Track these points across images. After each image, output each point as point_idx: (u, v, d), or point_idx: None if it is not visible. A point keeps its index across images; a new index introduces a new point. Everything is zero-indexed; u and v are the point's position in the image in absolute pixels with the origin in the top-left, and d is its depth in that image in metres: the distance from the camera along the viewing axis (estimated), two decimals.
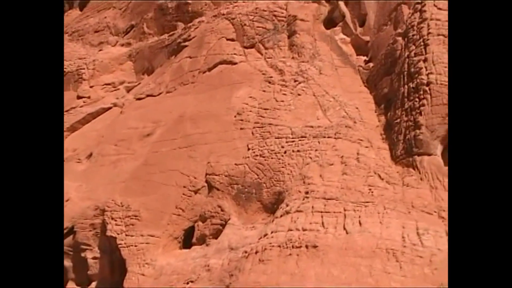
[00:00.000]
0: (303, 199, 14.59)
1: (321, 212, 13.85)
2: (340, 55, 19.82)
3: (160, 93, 21.20)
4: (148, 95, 21.62)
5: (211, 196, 17.07)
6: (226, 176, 17.09)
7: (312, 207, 14.09)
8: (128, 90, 23.38)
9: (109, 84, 24.05)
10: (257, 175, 16.62)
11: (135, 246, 16.90)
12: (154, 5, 25.54)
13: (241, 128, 18.05)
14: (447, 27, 16.12)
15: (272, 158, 16.66)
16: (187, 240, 17.15)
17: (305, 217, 13.87)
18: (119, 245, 17.08)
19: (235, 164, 17.16)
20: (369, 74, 18.99)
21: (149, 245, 16.86)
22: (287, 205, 14.70)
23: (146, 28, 25.45)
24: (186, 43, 22.17)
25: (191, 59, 21.29)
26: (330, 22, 20.73)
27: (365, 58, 19.91)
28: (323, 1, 20.95)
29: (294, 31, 20.07)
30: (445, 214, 13.57)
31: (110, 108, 22.85)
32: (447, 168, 15.09)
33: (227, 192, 16.89)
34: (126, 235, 17.15)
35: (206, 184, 17.35)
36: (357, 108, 17.74)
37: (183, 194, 17.45)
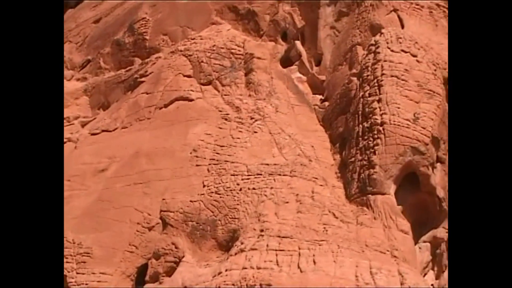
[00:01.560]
0: (258, 237, 14.55)
1: (276, 250, 13.82)
2: (296, 93, 20.02)
3: (115, 129, 21.01)
4: (103, 130, 21.40)
5: (165, 233, 16.88)
6: (181, 213, 16.96)
7: (267, 245, 14.06)
8: (83, 125, 23.10)
9: (63, 118, 23.76)
10: (212, 212, 16.54)
11: (86, 284, 16.54)
12: (111, 40, 25.46)
13: (196, 165, 17.99)
14: (399, 69, 16.52)
15: (227, 195, 16.62)
16: (140, 278, 16.88)
17: (259, 256, 13.82)
18: (70, 283, 16.69)
19: (190, 201, 17.06)
20: (324, 113, 19.21)
21: (101, 283, 16.53)
22: (241, 243, 14.64)
23: (103, 63, 25.31)
24: (143, 79, 22.12)
25: (148, 95, 21.22)
26: (286, 61, 20.97)
27: (321, 97, 20.15)
28: (280, 40, 21.21)
29: (251, 69, 20.23)
30: (398, 253, 13.72)
31: (64, 143, 22.55)
32: (399, 207, 15.35)
33: (182, 229, 16.73)
34: (77, 273, 16.78)
35: (160, 221, 17.16)
36: (312, 146, 17.89)
37: (137, 231, 17.22)
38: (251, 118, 18.84)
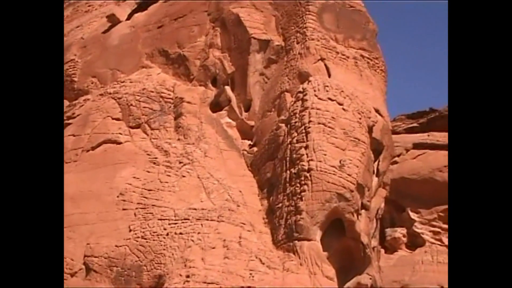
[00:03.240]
0: (184, 283, 14.40)
1: None
2: (225, 138, 20.11)
3: None
4: None
5: (88, 279, 16.49)
6: (105, 258, 16.62)
7: None
8: None
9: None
10: (138, 257, 16.28)
11: None
12: None
13: (123, 209, 17.74)
14: (326, 116, 16.87)
15: (154, 240, 16.41)
16: None
17: None
18: None
19: (116, 245, 16.75)
20: (253, 158, 19.35)
21: None
22: None
23: None
24: (70, 121, 21.80)
25: (75, 137, 20.90)
26: (216, 106, 21.08)
27: (249, 142, 20.29)
28: (210, 85, 21.34)
29: (180, 113, 20.24)
30: None
31: None
32: (325, 253, 15.50)
33: (106, 274, 16.38)
34: None
35: (84, 267, 16.77)
36: (240, 191, 17.94)
37: None
38: (180, 162, 18.79)
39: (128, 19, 25.01)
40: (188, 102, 20.55)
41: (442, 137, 25.77)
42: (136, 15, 24.91)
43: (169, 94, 20.96)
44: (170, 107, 20.61)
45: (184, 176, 18.29)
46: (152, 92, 21.02)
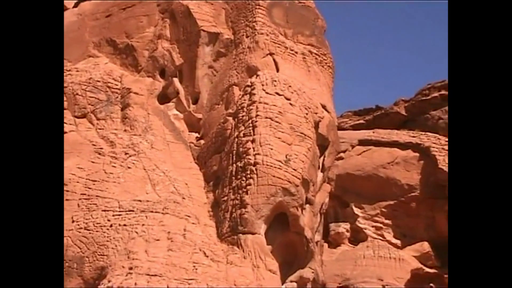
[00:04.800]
0: (126, 275, 14.26)
1: None
2: (172, 130, 20.02)
3: None
4: None
5: None
6: None
7: (135, 283, 13.80)
8: None
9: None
10: (80, 248, 16.05)
11: None
12: None
13: (66, 199, 17.45)
14: (273, 111, 16.98)
15: (97, 231, 16.21)
16: None
17: None
18: None
19: None
20: (200, 151, 19.31)
21: None
22: (109, 281, 14.27)
23: None
24: None
25: None
26: (164, 98, 20.95)
27: (196, 135, 20.25)
28: (158, 76, 21.19)
29: (127, 104, 20.04)
30: None
31: None
32: (269, 247, 15.62)
33: None
34: None
35: None
36: (186, 184, 17.89)
37: None
38: (126, 154, 18.60)
39: (75, 6, 24.59)
40: (136, 93, 20.37)
41: (386, 134, 26.21)
42: (83, 3, 24.50)
43: (116, 85, 20.72)
44: (117, 97, 20.39)
45: (129, 168, 18.13)
46: (99, 82, 20.74)
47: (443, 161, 23.68)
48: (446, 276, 23.48)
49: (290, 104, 17.44)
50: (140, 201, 16.76)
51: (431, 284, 23.75)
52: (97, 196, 17.21)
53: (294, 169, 16.22)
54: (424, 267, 23.77)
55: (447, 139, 25.40)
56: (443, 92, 31.55)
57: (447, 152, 24.21)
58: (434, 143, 24.77)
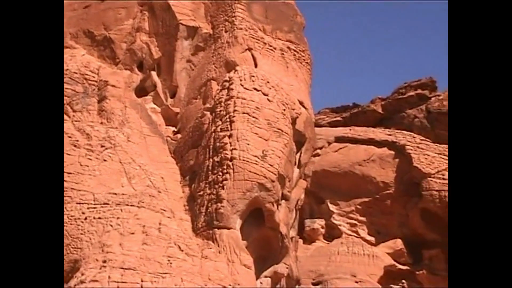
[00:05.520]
0: (100, 268, 14.21)
1: (118, 282, 13.55)
2: (149, 124, 19.94)
3: None
4: None
5: None
6: None
7: (109, 277, 13.76)
8: None
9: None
10: None
11: None
12: None
13: None
14: (251, 106, 17.02)
15: (71, 224, 16.10)
16: None
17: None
18: None
19: None
20: (176, 145, 19.28)
21: None
22: (82, 274, 14.20)
23: None
24: None
25: None
26: (141, 91, 20.87)
27: (174, 129, 20.21)
28: (136, 69, 21.09)
29: (104, 96, 19.92)
30: None
31: None
32: (244, 242, 15.67)
33: None
34: None
35: None
36: (162, 178, 17.85)
37: None
38: (102, 146, 18.49)
39: None
40: (113, 86, 20.24)
41: (363, 131, 26.33)
42: None
43: (93, 77, 20.57)
44: (94, 89, 20.24)
45: (105, 160, 18.03)
46: (76, 73, 20.56)
47: (417, 159, 23.88)
48: (418, 273, 23.74)
49: (268, 99, 17.48)
50: (115, 194, 16.69)
51: (403, 281, 23.98)
52: (72, 188, 17.08)
53: (270, 165, 16.27)
54: (397, 264, 23.96)
55: (422, 138, 25.64)
56: (419, 91, 31.77)
57: (422, 150, 24.42)
58: (409, 141, 24.95)
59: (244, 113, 16.90)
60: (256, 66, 18.85)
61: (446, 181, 23.04)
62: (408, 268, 24.06)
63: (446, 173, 23.36)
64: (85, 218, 16.08)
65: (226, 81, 18.01)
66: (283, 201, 16.79)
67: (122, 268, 14.05)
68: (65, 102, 20.09)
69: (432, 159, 23.92)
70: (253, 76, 17.89)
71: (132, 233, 15.26)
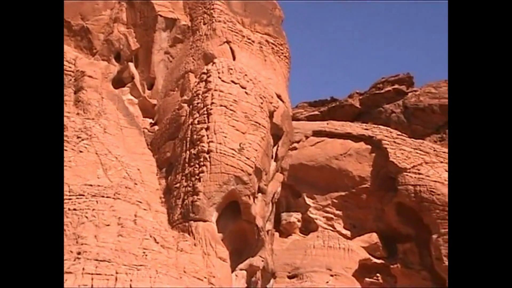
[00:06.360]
0: (74, 260, 14.11)
1: (92, 274, 13.47)
2: (126, 115, 19.84)
3: None
4: None
5: None
6: None
7: (83, 268, 13.67)
8: None
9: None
10: None
11: None
12: None
13: None
14: (229, 99, 17.00)
15: None
16: None
17: (74, 279, 13.37)
18: None
19: None
20: (153, 137, 19.21)
21: None
22: None
23: None
24: None
25: None
26: (119, 82, 20.75)
27: (151, 120, 20.14)
28: (113, 60, 20.95)
29: (81, 87, 19.78)
30: (215, 280, 13.95)
31: None
32: (220, 235, 15.68)
33: None
34: None
35: None
36: (139, 169, 17.77)
37: None
38: (78, 137, 18.35)
39: None
40: (90, 77, 20.09)
41: (340, 126, 26.41)
42: None
43: (70, 67, 20.39)
44: (70, 80, 20.07)
45: (81, 152, 17.90)
46: None
47: (394, 154, 24.01)
48: (392, 266, 23.93)
49: (246, 92, 17.47)
50: (91, 185, 16.58)
51: (378, 274, 24.16)
52: None
53: (247, 158, 16.27)
54: (372, 258, 24.13)
55: (398, 133, 25.80)
56: (396, 86, 32.04)
57: (398, 145, 24.55)
58: (386, 136, 25.08)
59: (221, 105, 16.87)
60: (234, 59, 18.82)
61: (422, 176, 23.22)
62: (382, 262, 24.24)
63: (422, 168, 23.54)
64: None
65: (204, 73, 17.96)
66: (259, 194, 16.80)
67: (96, 260, 13.97)
68: None
69: (408, 154, 24.07)
70: (231, 69, 17.86)
71: (108, 225, 15.18)
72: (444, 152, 24.66)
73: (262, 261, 16.40)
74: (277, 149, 18.77)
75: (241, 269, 16.09)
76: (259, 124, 17.15)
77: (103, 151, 18.09)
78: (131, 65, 20.87)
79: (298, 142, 25.43)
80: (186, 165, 16.61)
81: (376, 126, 26.71)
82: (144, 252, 14.41)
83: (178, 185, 16.57)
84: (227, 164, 16.04)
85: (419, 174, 23.32)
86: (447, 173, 23.39)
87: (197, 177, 16.05)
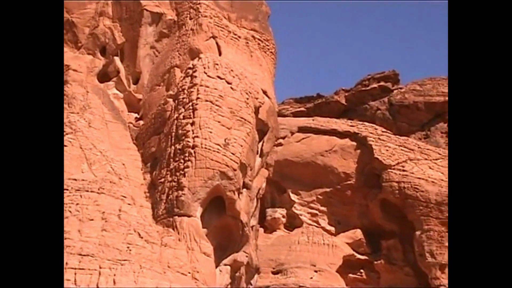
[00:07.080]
0: None
1: (75, 269, 13.41)
2: (111, 110, 19.77)
3: None
4: None
5: None
6: None
7: (66, 263, 13.62)
8: None
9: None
10: None
11: None
12: None
13: None
14: (214, 94, 16.98)
15: None
16: None
17: None
18: None
19: None
20: (138, 132, 19.15)
21: None
22: None
23: None
24: None
25: None
26: (104, 76, 20.66)
27: (136, 115, 20.08)
28: (99, 54, 20.85)
29: (66, 81, 19.66)
30: (199, 276, 13.94)
31: None
32: (204, 230, 15.68)
33: None
34: None
35: None
36: (123, 164, 17.72)
37: None
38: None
39: None
40: (75, 70, 20.00)
41: (325, 122, 26.47)
42: None
43: None
44: None
45: (66, 146, 17.80)
46: None
47: (378, 151, 24.12)
48: (376, 262, 24.05)
49: (231, 88, 17.45)
50: (75, 180, 16.51)
51: (362, 270, 24.29)
52: None
53: (232, 153, 16.27)
54: (356, 254, 24.25)
55: (384, 130, 25.90)
56: (382, 83, 32.12)
57: (383, 142, 24.66)
58: (371, 133, 25.18)
59: (207, 101, 16.85)
60: (220, 54, 18.79)
61: (406, 173, 23.36)
62: (366, 258, 24.35)
63: (406, 165, 23.68)
64: None
65: (189, 68, 17.92)
66: (244, 189, 16.82)
67: (80, 254, 13.92)
68: None
69: (393, 151, 24.19)
70: (217, 64, 17.84)
71: (91, 220, 15.12)
72: (428, 149, 24.81)
73: (247, 256, 16.42)
74: (262, 145, 18.78)
75: (225, 265, 16.10)
76: (245, 119, 17.15)
77: (88, 145, 18.02)
78: (117, 59, 20.78)
79: (283, 138, 25.45)
80: (171, 160, 16.58)
81: (361, 123, 26.80)
82: (128, 247, 14.37)
83: (162, 180, 16.54)
84: (212, 160, 16.03)
85: (404, 171, 23.46)
86: (431, 170, 23.56)
87: (182, 172, 16.02)
